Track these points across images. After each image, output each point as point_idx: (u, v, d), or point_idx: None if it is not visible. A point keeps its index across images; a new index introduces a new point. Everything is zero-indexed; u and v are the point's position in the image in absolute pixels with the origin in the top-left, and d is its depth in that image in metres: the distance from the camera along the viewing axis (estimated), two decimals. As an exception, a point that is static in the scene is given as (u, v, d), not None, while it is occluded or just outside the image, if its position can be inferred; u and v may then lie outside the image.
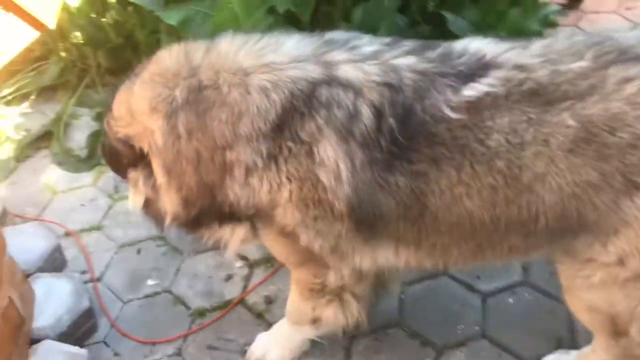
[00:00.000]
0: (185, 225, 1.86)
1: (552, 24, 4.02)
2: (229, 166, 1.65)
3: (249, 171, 1.63)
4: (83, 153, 3.35)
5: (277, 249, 1.91)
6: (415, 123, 1.54)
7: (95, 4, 3.54)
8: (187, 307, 2.52)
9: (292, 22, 3.00)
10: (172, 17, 2.93)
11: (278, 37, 1.74)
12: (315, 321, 2.06)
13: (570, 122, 1.47)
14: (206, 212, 1.76)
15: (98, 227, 2.93)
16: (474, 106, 1.52)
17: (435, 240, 1.68)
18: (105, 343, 2.42)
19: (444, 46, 1.65)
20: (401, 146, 1.55)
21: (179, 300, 2.56)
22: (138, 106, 1.73)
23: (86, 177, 3.23)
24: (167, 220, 1.85)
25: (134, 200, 1.91)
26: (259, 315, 2.47)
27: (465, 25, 2.70)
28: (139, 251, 2.79)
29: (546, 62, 1.54)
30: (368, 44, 1.67)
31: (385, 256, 1.77)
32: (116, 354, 2.38)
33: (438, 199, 1.57)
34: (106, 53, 3.71)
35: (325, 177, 1.58)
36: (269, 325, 2.39)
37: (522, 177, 1.51)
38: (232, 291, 2.57)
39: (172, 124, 1.66)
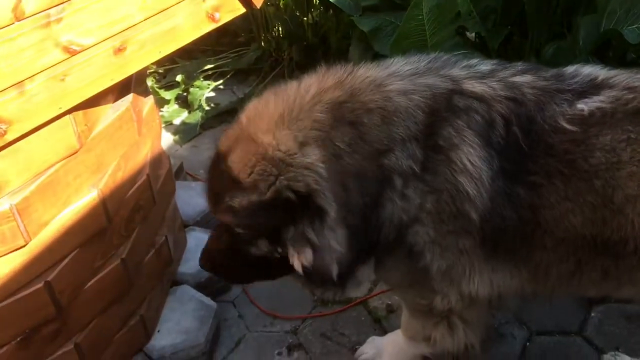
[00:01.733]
0: (341, 275, 1.63)
1: None
2: (388, 174, 1.56)
3: (406, 180, 1.56)
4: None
5: (393, 273, 1.82)
6: (535, 132, 1.54)
7: (301, 3, 3.83)
8: (313, 294, 2.62)
9: (479, 47, 3.01)
10: (365, 24, 3.09)
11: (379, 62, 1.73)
12: (428, 339, 2.04)
13: None
14: (361, 246, 1.62)
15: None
16: (585, 121, 1.52)
17: (540, 259, 1.63)
18: (234, 304, 2.60)
19: (555, 69, 1.66)
20: (524, 155, 1.54)
21: (309, 285, 2.67)
22: (282, 150, 1.53)
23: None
24: (334, 270, 1.59)
25: (302, 259, 1.58)
26: (377, 320, 2.50)
27: (665, 80, 2.51)
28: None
29: None
30: (481, 63, 1.69)
31: (503, 279, 1.70)
32: (240, 316, 2.55)
33: (548, 213, 1.55)
34: (300, 49, 3.99)
35: (468, 184, 1.55)
36: (384, 331, 2.41)
37: (614, 197, 1.49)
38: (357, 290, 2.63)
39: (330, 146, 1.54)
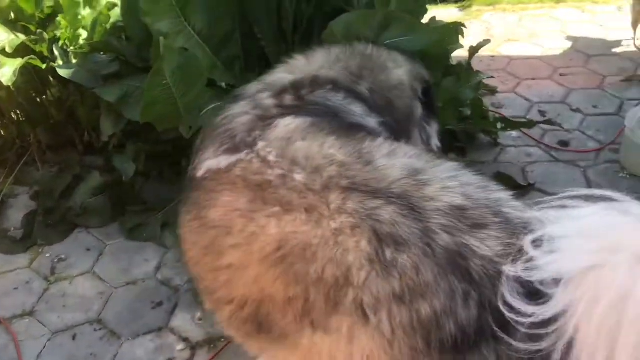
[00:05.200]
0: None
1: (492, 90, 4.18)
2: None
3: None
4: (19, 234, 3.21)
5: None
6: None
7: (34, 82, 3.48)
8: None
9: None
10: (110, 94, 2.92)
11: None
12: None
13: (273, 230, 1.42)
14: None
15: (31, 313, 2.77)
16: (216, 175, 1.62)
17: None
18: None
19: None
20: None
21: (115, 389, 2.40)
22: None
23: (21, 259, 3.08)
24: None
25: None
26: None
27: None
28: (74, 337, 2.63)
29: (285, 161, 1.51)
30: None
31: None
32: None
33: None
34: (47, 130, 3.63)
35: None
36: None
37: (222, 260, 1.52)
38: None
39: None
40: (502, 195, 1.42)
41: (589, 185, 3.33)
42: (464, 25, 2.81)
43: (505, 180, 3.29)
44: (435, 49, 2.54)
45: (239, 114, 1.81)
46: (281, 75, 2.04)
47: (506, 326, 1.19)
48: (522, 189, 3.27)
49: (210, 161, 1.67)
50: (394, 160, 1.46)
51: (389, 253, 1.28)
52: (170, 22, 2.57)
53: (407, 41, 2.51)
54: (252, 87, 1.97)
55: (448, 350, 1.24)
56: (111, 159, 3.24)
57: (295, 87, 1.92)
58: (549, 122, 3.71)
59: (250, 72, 3.06)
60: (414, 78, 2.19)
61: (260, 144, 1.60)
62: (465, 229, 1.28)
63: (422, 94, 2.18)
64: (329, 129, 1.61)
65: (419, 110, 2.17)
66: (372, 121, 1.93)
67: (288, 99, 1.85)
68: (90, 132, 3.60)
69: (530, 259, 1.17)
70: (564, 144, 3.68)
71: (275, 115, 1.72)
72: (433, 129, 2.23)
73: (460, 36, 3.09)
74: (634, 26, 4.62)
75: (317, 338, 1.37)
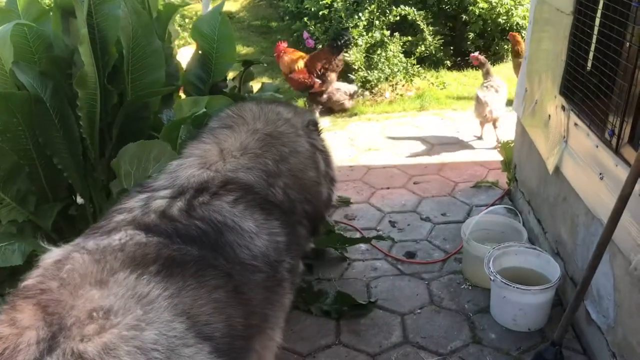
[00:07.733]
0: None
1: (345, 201, 4.11)
2: None
3: None
4: None
5: None
6: None
7: None
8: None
9: (34, 229, 2.82)
10: None
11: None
12: None
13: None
14: None
15: None
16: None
17: None
18: None
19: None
20: None
21: None
22: None
23: None
24: None
25: None
26: None
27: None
28: None
29: (53, 266, 1.62)
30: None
31: None
32: None
33: None
34: None
35: None
36: None
37: None
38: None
39: None
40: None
41: (432, 299, 3.24)
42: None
43: (344, 299, 3.17)
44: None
45: (126, 209, 1.84)
46: (193, 171, 2.01)
47: None
48: (362, 308, 3.15)
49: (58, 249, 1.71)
50: (97, 293, 1.50)
51: None
52: (-61, 162, 2.39)
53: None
54: (163, 179, 1.99)
55: None
56: None
57: (199, 190, 1.91)
58: (380, 237, 3.67)
59: (60, 201, 2.91)
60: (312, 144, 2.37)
61: (72, 247, 1.70)
62: None
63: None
64: (135, 253, 1.63)
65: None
66: (261, 239, 1.91)
67: (177, 208, 1.84)
68: None
69: None
70: (411, 255, 3.63)
71: (137, 225, 1.74)
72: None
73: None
74: (482, 125, 4.85)
75: None
